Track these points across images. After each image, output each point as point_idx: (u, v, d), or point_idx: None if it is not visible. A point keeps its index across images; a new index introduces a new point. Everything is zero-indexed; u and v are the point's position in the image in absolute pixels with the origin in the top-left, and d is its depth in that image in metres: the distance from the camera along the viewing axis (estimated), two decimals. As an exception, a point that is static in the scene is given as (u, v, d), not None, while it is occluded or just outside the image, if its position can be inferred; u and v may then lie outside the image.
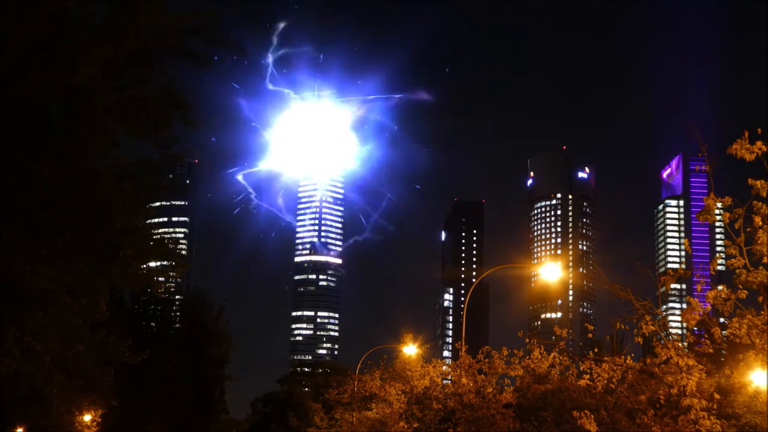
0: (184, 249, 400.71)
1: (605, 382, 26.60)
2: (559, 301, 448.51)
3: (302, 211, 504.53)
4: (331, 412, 60.10)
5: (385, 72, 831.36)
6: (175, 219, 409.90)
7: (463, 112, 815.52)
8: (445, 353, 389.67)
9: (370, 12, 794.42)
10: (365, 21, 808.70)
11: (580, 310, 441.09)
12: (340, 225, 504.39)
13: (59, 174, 21.17)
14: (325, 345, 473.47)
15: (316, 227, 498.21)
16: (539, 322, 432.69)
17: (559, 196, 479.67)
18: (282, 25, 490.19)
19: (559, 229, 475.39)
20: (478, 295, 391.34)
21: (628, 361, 26.39)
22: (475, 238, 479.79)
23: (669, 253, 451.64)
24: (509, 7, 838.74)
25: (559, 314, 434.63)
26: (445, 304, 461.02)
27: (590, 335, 54.84)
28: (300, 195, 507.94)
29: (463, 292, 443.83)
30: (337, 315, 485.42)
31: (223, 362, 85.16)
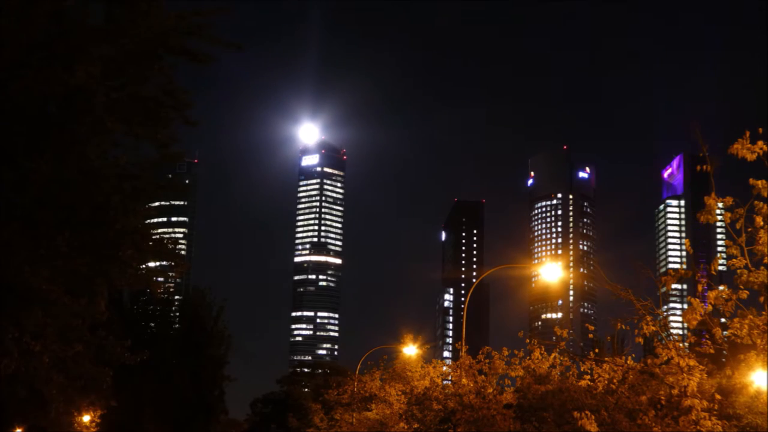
0: (183, 249, 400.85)
1: (606, 382, 26.53)
2: (560, 302, 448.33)
3: (302, 211, 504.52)
4: (330, 412, 59.99)
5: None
6: (174, 219, 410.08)
7: (464, 112, 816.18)
8: (446, 353, 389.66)
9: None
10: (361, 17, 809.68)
11: (581, 310, 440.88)
12: (340, 225, 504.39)
13: (58, 174, 21.09)
14: (324, 345, 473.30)
15: (316, 227, 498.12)
16: (540, 323, 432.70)
17: (559, 195, 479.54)
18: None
19: (559, 229, 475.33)
20: (478, 295, 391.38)
21: (629, 362, 26.34)
22: (475, 238, 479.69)
23: (670, 253, 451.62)
24: (510, 7, 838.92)
25: (560, 314, 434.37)
26: (445, 304, 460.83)
27: (591, 336, 54.65)
28: (300, 195, 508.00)
29: (463, 292, 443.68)
30: (336, 315, 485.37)
31: (223, 362, 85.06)
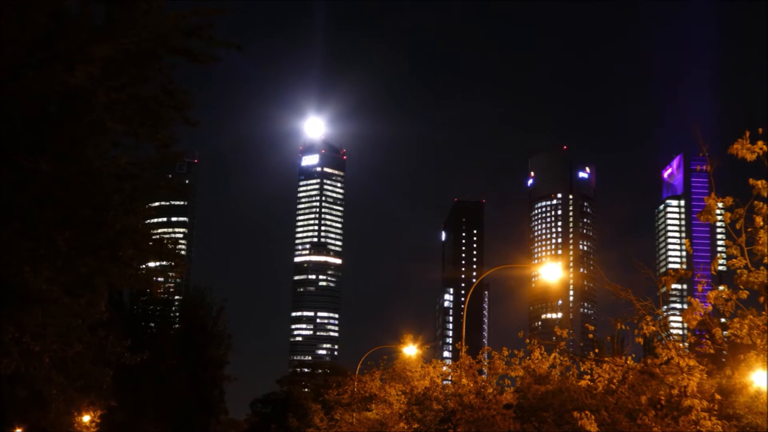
0: (183, 249, 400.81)
1: (606, 382, 26.53)
2: (560, 302, 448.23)
3: (302, 211, 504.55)
4: (330, 412, 59.97)
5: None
6: (174, 219, 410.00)
7: (463, 111, 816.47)
8: (446, 353, 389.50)
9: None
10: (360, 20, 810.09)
11: (581, 310, 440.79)
12: (340, 225, 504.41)
13: (58, 173, 21.08)
14: (324, 345, 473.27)
15: (316, 227, 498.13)
16: (540, 323, 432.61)
17: (559, 196, 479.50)
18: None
19: (559, 229, 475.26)
20: (478, 295, 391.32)
21: (628, 362, 26.33)
22: (475, 238, 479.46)
23: (670, 253, 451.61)
24: (511, 8, 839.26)
25: (560, 314, 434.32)
26: (445, 304, 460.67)
27: (591, 336, 54.68)
28: (300, 195, 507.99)
29: (463, 292, 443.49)
30: (336, 315, 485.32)
31: (223, 363, 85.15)
